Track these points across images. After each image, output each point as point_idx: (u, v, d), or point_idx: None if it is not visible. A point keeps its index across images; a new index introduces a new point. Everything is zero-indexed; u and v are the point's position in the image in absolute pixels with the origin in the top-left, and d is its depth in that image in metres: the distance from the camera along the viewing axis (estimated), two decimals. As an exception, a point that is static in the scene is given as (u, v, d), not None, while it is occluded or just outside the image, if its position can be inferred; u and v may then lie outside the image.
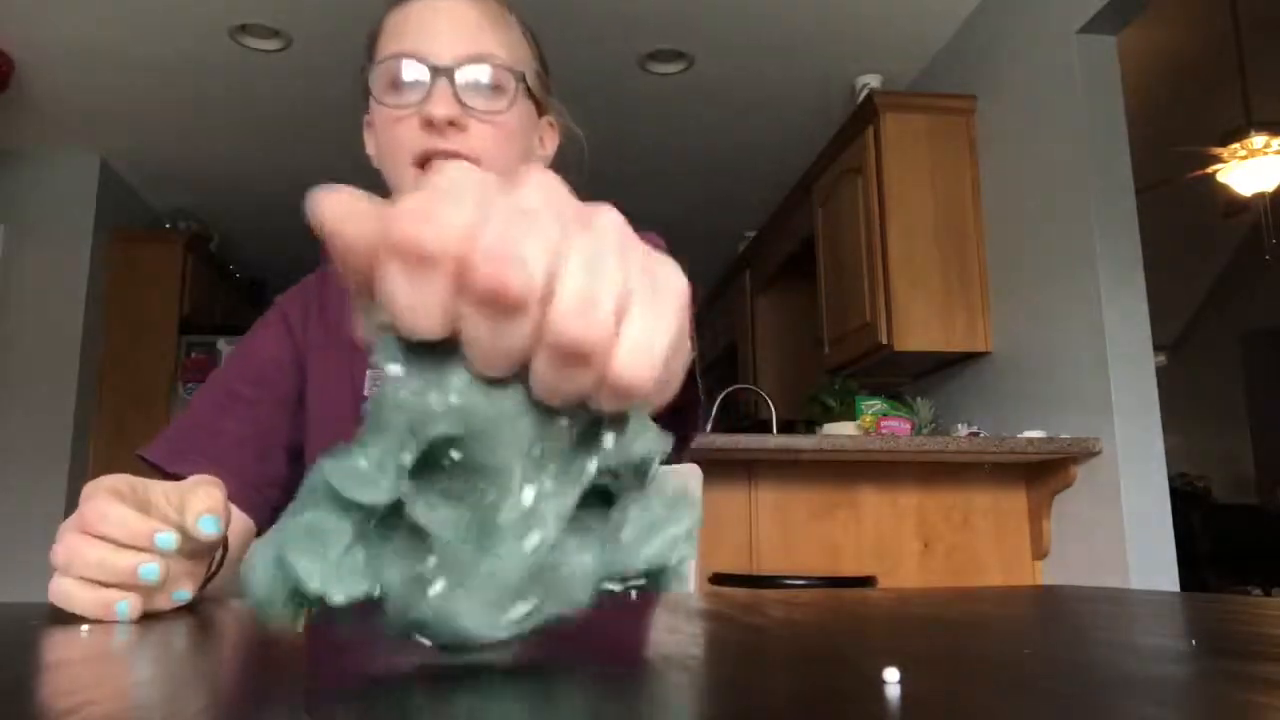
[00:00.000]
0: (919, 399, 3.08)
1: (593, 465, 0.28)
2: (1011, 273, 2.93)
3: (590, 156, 0.93)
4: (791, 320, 4.74)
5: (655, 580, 0.30)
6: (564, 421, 0.27)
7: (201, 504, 0.51)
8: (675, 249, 0.47)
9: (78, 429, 4.27)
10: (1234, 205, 4.19)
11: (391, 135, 0.83)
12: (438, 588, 0.27)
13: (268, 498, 0.86)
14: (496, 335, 0.25)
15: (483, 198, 0.25)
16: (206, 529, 0.50)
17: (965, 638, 0.40)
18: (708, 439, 2.35)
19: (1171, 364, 6.35)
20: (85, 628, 0.44)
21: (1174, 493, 2.46)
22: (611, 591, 0.29)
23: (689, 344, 0.30)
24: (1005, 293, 2.97)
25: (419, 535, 0.27)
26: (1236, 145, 3.71)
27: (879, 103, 3.15)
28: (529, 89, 0.87)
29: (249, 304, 5.63)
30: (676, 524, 0.30)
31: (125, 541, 0.48)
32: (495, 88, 0.83)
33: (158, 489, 0.54)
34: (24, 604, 0.57)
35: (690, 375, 0.33)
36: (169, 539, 0.49)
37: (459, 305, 0.25)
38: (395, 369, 0.26)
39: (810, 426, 3.11)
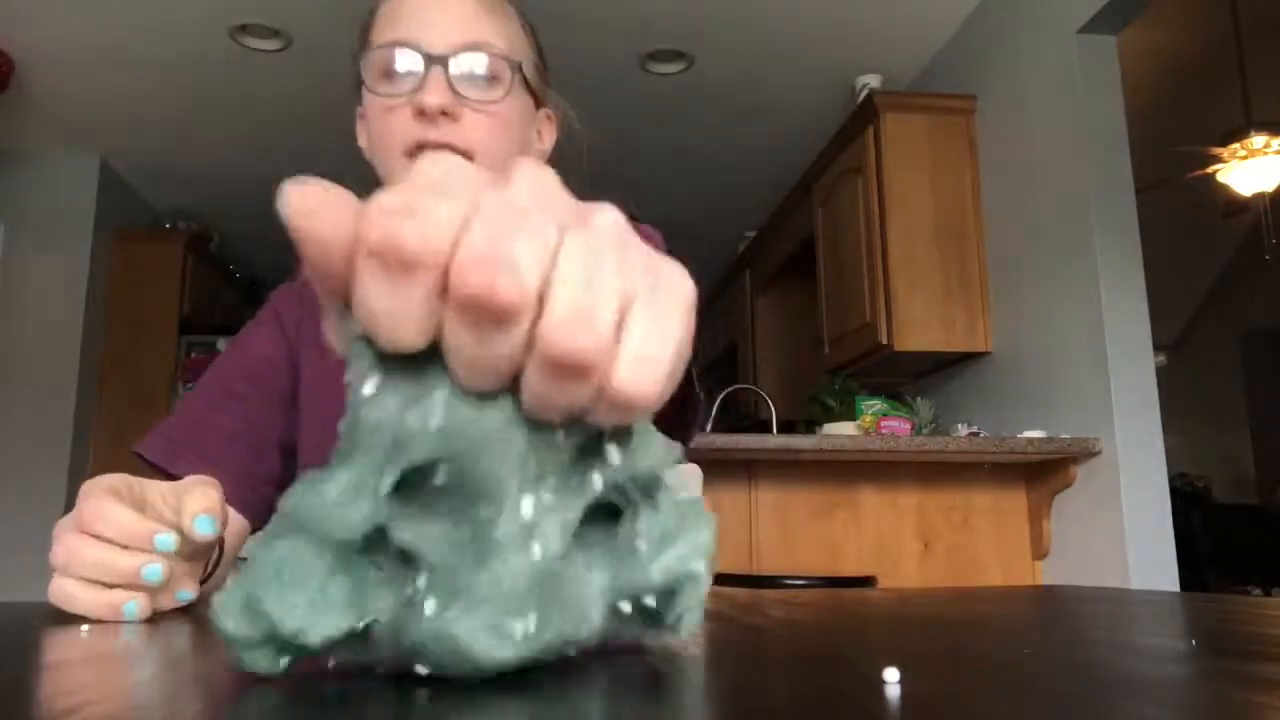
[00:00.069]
0: (919, 399, 3.08)
1: (596, 481, 0.26)
2: (1011, 273, 2.93)
3: (590, 157, 0.92)
4: (791, 320, 4.74)
5: (671, 597, 0.27)
6: (560, 437, 0.25)
7: (198, 504, 0.51)
8: (675, 249, 0.47)
9: (78, 429, 4.27)
10: (1234, 205, 4.20)
11: (383, 125, 0.81)
12: (431, 607, 0.24)
13: (263, 495, 0.86)
14: (484, 346, 0.23)
15: (470, 193, 0.23)
16: (203, 529, 0.50)
17: (965, 638, 0.40)
18: (708, 439, 2.35)
19: (1171, 364, 6.35)
20: (85, 628, 0.44)
21: (1174, 493, 2.46)
22: (625, 611, 0.27)
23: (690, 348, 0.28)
24: (1005, 293, 2.97)
25: (408, 556, 0.25)
26: (1236, 145, 3.71)
27: (879, 103, 3.15)
28: (526, 80, 0.85)
29: (249, 304, 5.63)
30: (692, 534, 0.27)
31: (124, 542, 0.48)
32: (491, 78, 0.81)
33: (154, 489, 0.54)
34: (24, 604, 0.57)
35: (688, 375, 0.32)
36: (168, 540, 0.49)
37: (442, 312, 0.23)
38: (370, 386, 0.24)
39: (810, 426, 3.11)
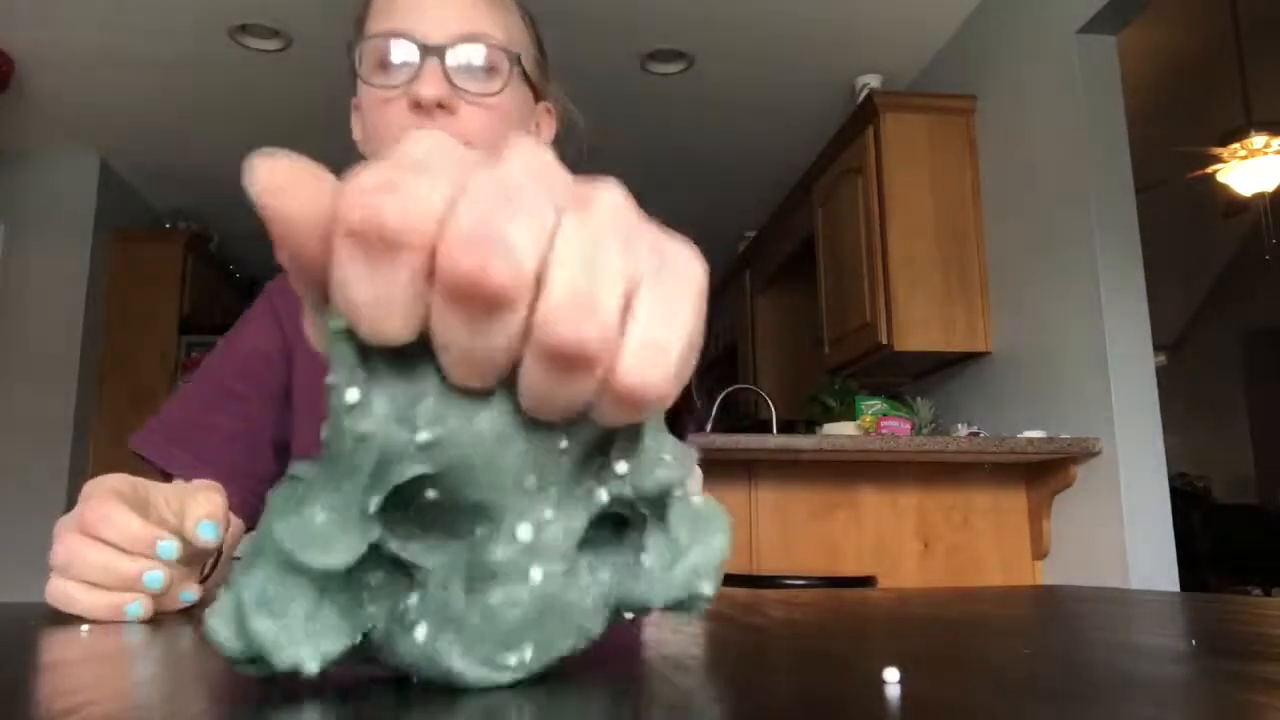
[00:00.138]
0: (919, 399, 3.08)
1: (602, 494, 0.24)
2: (1011, 273, 2.93)
3: (589, 156, 0.92)
4: (791, 320, 4.75)
5: (675, 609, 0.26)
6: (562, 441, 0.23)
7: (202, 509, 0.51)
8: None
9: (78, 429, 4.27)
10: (1234, 205, 4.20)
11: (377, 117, 0.79)
12: (422, 633, 0.23)
13: (259, 495, 0.86)
14: (476, 337, 0.21)
15: (458, 171, 0.21)
16: (206, 535, 0.50)
17: (965, 638, 0.40)
18: (708, 439, 2.35)
19: (1171, 364, 6.35)
20: (85, 628, 0.44)
21: (1174, 493, 2.46)
22: (627, 618, 0.26)
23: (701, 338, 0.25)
24: (1005, 293, 2.97)
25: (399, 564, 0.24)
26: (1236, 145, 3.71)
27: (879, 103, 3.15)
28: (525, 72, 0.83)
29: (249, 304, 5.62)
30: (703, 547, 0.26)
31: (126, 547, 0.48)
32: (489, 69, 0.79)
33: (158, 491, 0.54)
34: (24, 604, 0.57)
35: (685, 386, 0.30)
36: (170, 547, 0.48)
37: (430, 300, 0.21)
38: (354, 392, 0.21)
39: (810, 426, 3.11)
